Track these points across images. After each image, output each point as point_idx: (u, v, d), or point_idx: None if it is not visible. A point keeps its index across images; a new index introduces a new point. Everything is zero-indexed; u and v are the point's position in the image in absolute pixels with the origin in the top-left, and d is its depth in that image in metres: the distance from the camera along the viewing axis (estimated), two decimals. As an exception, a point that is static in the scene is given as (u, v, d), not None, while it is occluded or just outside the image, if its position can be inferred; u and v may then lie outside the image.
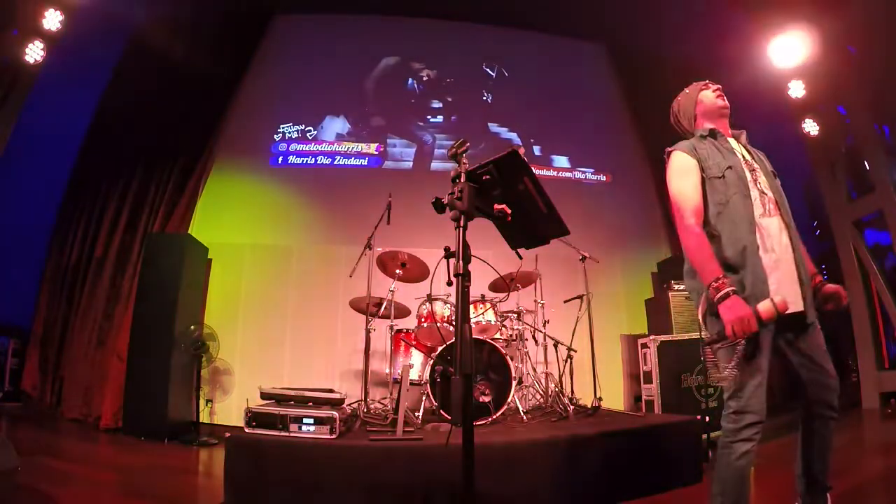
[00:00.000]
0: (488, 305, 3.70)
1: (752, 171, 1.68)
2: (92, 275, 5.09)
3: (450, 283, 1.36)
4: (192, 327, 4.22)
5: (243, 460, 2.28)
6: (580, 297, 3.91)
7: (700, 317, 1.63)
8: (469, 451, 1.27)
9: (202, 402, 4.49)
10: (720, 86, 1.85)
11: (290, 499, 2.19)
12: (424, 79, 6.28)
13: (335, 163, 5.85)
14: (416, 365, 3.82)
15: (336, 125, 6.00)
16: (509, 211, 1.54)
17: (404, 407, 2.67)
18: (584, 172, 6.25)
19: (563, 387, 3.68)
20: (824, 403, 1.59)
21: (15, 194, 5.96)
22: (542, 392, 3.80)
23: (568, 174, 6.23)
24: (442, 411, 3.08)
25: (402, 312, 3.99)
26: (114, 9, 4.78)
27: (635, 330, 5.18)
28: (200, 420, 4.42)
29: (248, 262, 5.34)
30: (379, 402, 3.77)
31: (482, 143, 6.05)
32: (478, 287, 3.40)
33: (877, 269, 5.15)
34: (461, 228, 1.38)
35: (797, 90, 5.17)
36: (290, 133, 5.90)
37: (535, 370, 4.02)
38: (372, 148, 5.93)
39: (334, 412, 2.42)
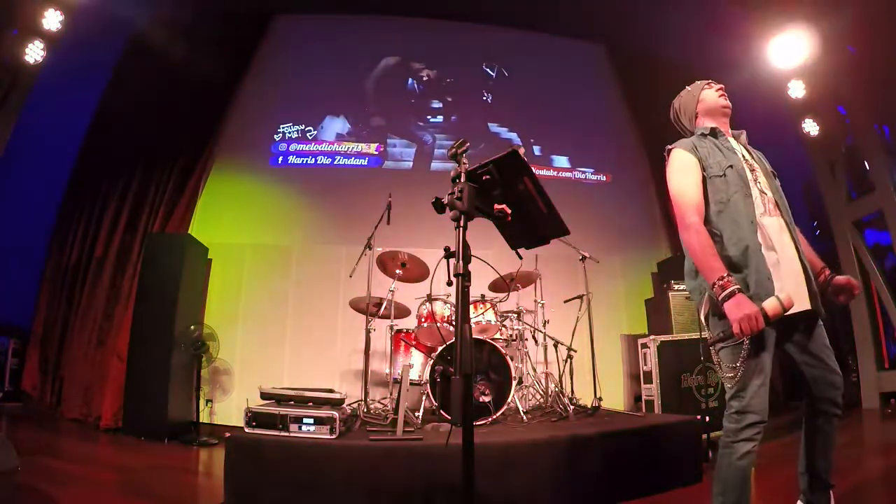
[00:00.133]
0: (488, 305, 3.70)
1: (752, 170, 1.68)
2: (92, 275, 5.09)
3: (450, 283, 1.36)
4: (192, 327, 4.22)
5: (243, 460, 2.28)
6: (580, 297, 3.91)
7: (702, 317, 1.62)
8: (469, 451, 1.27)
9: (202, 402, 4.49)
10: (723, 85, 1.85)
11: (290, 499, 2.18)
12: (424, 79, 6.28)
13: (335, 163, 5.85)
14: (416, 365, 3.81)
15: (336, 125, 6.00)
16: (509, 211, 1.54)
17: (404, 407, 2.67)
18: (584, 172, 6.25)
19: (563, 387, 3.68)
20: (828, 401, 1.59)
21: (15, 194, 5.96)
22: (542, 392, 3.79)
23: (568, 174, 6.23)
24: (442, 411, 3.08)
25: (402, 312, 3.99)
26: (114, 9, 4.79)
27: (635, 330, 5.18)
28: (200, 420, 4.42)
29: (248, 262, 5.34)
30: (379, 402, 3.77)
31: (482, 143, 6.05)
32: (478, 287, 3.40)
33: (877, 269, 5.15)
34: (461, 228, 1.38)
35: (797, 90, 5.18)
36: (290, 133, 5.90)
37: (535, 370, 4.02)
38: (372, 148, 5.93)
39: (334, 412, 2.42)
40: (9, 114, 4.56)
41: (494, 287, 3.93)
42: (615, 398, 4.92)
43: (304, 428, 2.40)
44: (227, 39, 5.74)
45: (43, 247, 5.41)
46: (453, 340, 1.48)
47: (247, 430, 2.43)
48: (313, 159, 5.85)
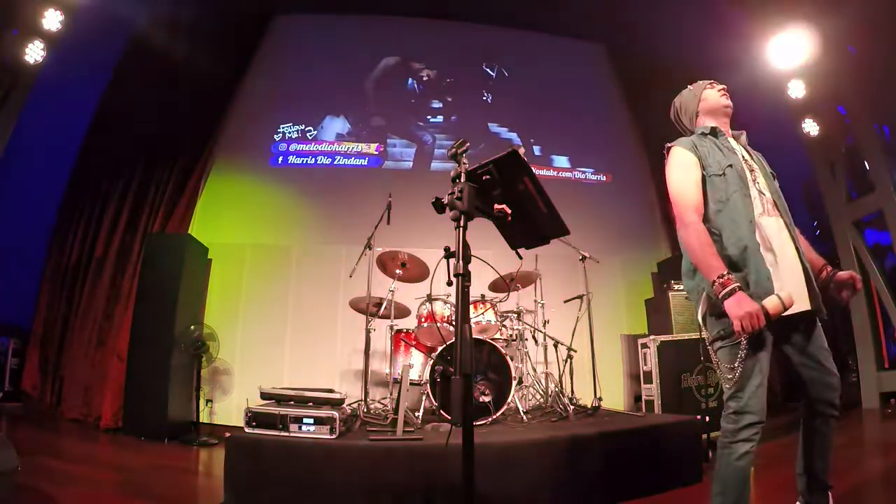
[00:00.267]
0: (488, 305, 3.70)
1: (752, 171, 1.68)
2: (92, 275, 5.09)
3: (450, 283, 1.36)
4: (192, 327, 4.22)
5: (243, 460, 2.28)
6: (580, 297, 3.91)
7: (700, 317, 1.61)
8: (469, 451, 1.27)
9: (202, 402, 4.49)
10: (725, 86, 1.84)
11: (290, 499, 2.18)
12: (424, 79, 6.28)
13: (335, 163, 5.85)
14: (416, 365, 3.81)
15: (336, 125, 6.00)
16: (509, 211, 1.54)
17: (404, 407, 2.67)
18: (584, 172, 6.25)
19: (563, 387, 3.68)
20: (826, 402, 1.59)
21: (15, 194, 5.95)
22: (542, 392, 3.80)
23: (568, 174, 6.23)
24: (442, 411, 3.08)
25: (402, 312, 3.99)
26: (114, 9, 4.78)
27: (635, 330, 5.18)
28: (200, 420, 4.42)
29: (248, 262, 5.34)
30: (379, 402, 3.77)
31: (482, 143, 6.05)
32: (478, 287, 3.40)
33: (877, 269, 5.15)
34: (461, 228, 1.38)
35: (797, 90, 5.17)
36: (290, 133, 5.90)
37: (535, 370, 4.01)
38: (372, 148, 5.93)
39: (334, 412, 2.42)
40: (9, 114, 4.55)
41: (494, 287, 3.93)
42: (615, 398, 4.92)
43: (304, 428, 2.40)
44: (227, 39, 5.74)
45: (43, 247, 5.41)
46: (453, 340, 1.48)
47: (247, 430, 2.43)
48: (313, 159, 5.85)
